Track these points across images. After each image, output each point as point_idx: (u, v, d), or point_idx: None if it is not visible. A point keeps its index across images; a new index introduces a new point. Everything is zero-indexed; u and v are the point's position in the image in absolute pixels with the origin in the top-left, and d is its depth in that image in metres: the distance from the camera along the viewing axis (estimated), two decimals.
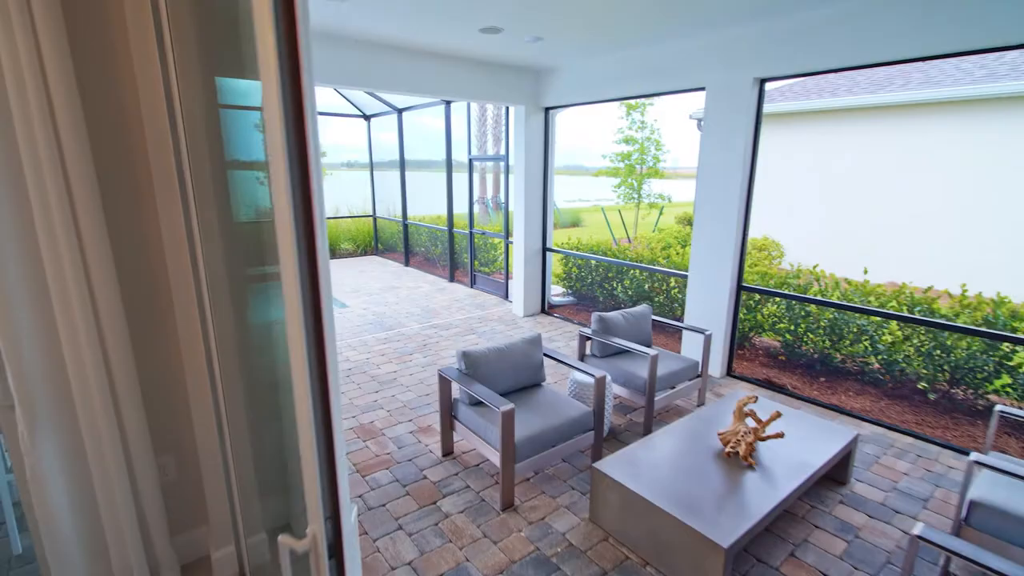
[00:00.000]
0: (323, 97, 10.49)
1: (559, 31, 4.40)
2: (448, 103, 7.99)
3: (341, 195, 12.51)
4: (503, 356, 3.28)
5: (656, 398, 3.66)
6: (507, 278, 7.49)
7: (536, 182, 6.52)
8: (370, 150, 10.97)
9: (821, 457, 2.72)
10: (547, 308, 6.96)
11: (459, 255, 8.80)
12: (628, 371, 3.75)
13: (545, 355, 3.54)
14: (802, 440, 2.89)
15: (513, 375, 3.32)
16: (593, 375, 3.14)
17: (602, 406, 3.19)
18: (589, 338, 4.00)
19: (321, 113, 10.69)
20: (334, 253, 11.25)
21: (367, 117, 10.66)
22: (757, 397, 2.81)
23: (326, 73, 4.79)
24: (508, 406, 2.72)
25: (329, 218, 11.50)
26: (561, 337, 5.93)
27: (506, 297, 7.53)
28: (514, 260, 6.81)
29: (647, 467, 2.66)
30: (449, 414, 3.33)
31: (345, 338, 5.86)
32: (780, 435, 2.72)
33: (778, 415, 2.75)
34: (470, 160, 7.88)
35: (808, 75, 3.98)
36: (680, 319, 6.04)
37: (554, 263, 7.36)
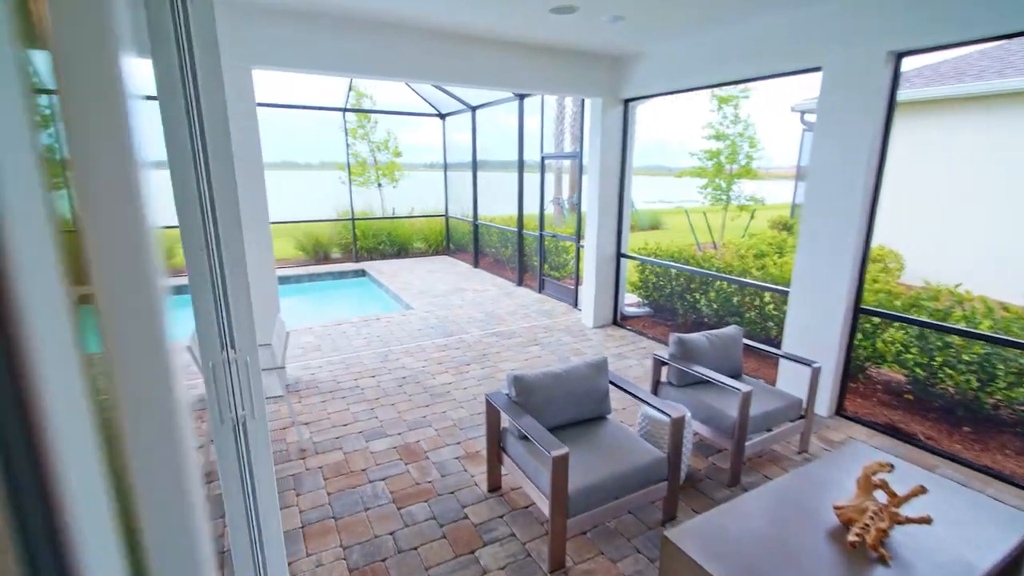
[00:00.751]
0: (399, 96, 10.52)
1: (643, 7, 3.84)
2: (521, 98, 7.60)
3: (417, 195, 12.54)
4: (561, 382, 2.81)
5: (748, 442, 3.01)
6: (577, 284, 6.96)
7: (612, 181, 5.94)
8: (444, 149, 10.86)
9: (989, 555, 1.99)
10: (619, 319, 6.36)
11: (529, 258, 8.40)
12: (713, 407, 3.13)
13: (612, 383, 3.02)
14: (957, 526, 2.16)
15: (572, 406, 2.83)
16: (669, 415, 2.58)
17: (679, 451, 2.62)
18: (665, 363, 3.41)
19: (396, 112, 10.72)
20: (406, 252, 11.27)
21: (442, 116, 10.56)
22: (892, 466, 2.12)
23: (394, 65, 4.55)
24: (561, 450, 2.25)
25: (402, 217, 11.54)
26: (633, 354, 5.33)
27: (575, 305, 7.01)
28: (585, 265, 6.28)
29: (735, 543, 2.07)
30: (497, 445, 2.91)
31: (404, 343, 5.64)
32: (926, 519, 2.03)
33: (922, 490, 2.06)
34: (542, 158, 7.43)
35: (967, 44, 3.12)
36: (775, 341, 5.22)
37: (629, 270, 6.73)
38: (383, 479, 3.15)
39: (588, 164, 6.04)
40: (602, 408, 2.95)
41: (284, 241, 11.35)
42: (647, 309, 6.74)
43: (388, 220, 11.35)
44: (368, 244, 10.81)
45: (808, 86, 4.68)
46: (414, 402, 4.21)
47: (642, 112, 6.04)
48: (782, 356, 3.48)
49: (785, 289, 4.29)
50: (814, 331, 3.88)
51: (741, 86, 9.35)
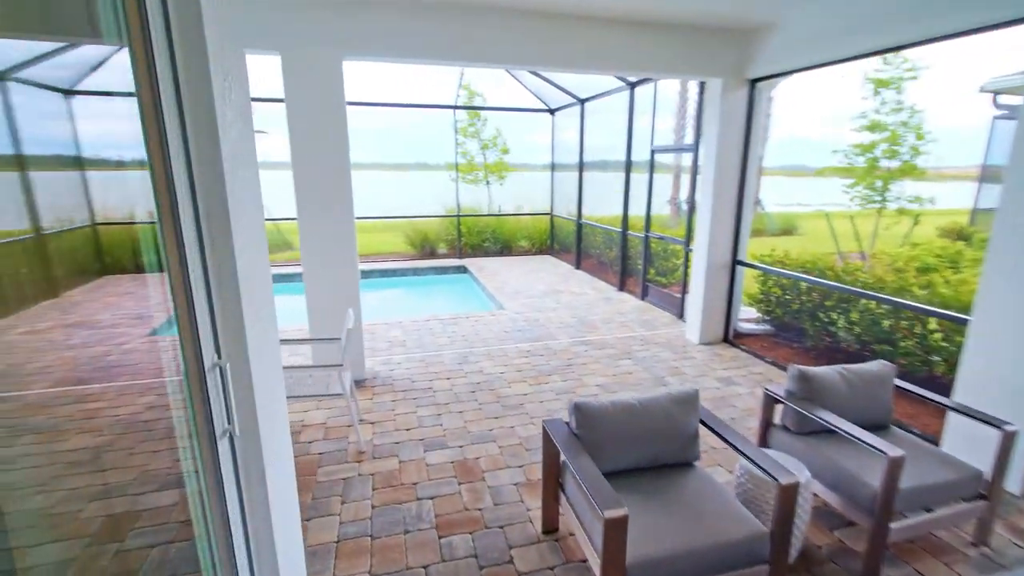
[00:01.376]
0: (509, 93, 10.37)
1: None
2: (632, 87, 6.96)
3: (524, 193, 12.35)
4: (635, 417, 2.28)
5: (895, 524, 2.22)
6: (684, 293, 6.18)
7: (730, 177, 5.12)
8: (553, 146, 10.50)
9: None
10: (731, 336, 5.49)
11: (632, 261, 7.72)
12: (844, 469, 2.38)
13: (703, 424, 2.41)
14: None
15: (647, 447, 2.29)
16: (777, 479, 1.94)
17: (789, 524, 1.97)
18: (780, 400, 2.69)
19: (505, 108, 10.57)
20: (510, 250, 11.12)
21: (552, 111, 10.20)
22: None
23: (491, 51, 4.28)
24: (617, 511, 1.75)
25: (508, 215, 11.40)
26: (744, 380, 4.51)
27: (680, 316, 6.24)
28: (694, 272, 5.51)
29: None
30: (555, 480, 2.47)
31: (487, 344, 5.37)
32: None
33: None
34: (652, 151, 6.74)
35: None
36: (942, 383, 4.08)
37: (748, 280, 5.81)
38: (432, 498, 2.86)
39: (703, 157, 5.27)
40: (687, 453, 2.36)
41: (395, 235, 11.82)
42: (767, 326, 5.76)
43: (494, 217, 11.27)
44: (473, 241, 10.82)
45: (1008, 58, 3.54)
46: (483, 412, 3.89)
47: (776, 103, 5.11)
48: (954, 408, 2.57)
49: (963, 316, 3.25)
50: (1007, 379, 2.86)
51: (907, 66, 7.76)
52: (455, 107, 10.08)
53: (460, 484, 2.99)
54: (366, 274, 9.50)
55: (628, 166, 7.31)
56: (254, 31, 3.75)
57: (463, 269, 9.84)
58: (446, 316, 6.40)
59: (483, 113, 12.14)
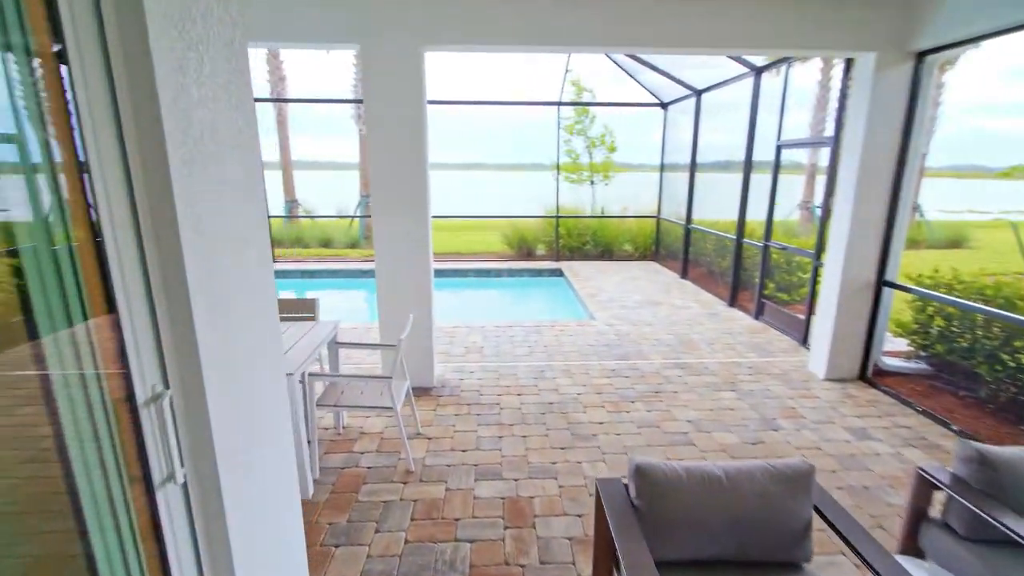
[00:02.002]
0: (617, 85, 9.72)
1: None
2: (758, 73, 6.03)
3: (631, 194, 11.60)
4: (717, 494, 1.71)
5: None
6: (809, 314, 5.18)
7: (880, 177, 4.12)
8: (663, 142, 9.66)
9: None
10: (871, 373, 4.45)
11: (748, 273, 6.75)
12: None
13: (817, 511, 1.76)
14: None
15: (733, 535, 1.71)
16: None
17: None
18: (943, 488, 1.92)
19: (613, 104, 9.92)
20: (611, 255, 10.47)
21: (664, 105, 9.37)
22: None
23: (581, 32, 3.82)
24: None
25: (611, 217, 10.75)
26: (885, 435, 3.56)
27: (803, 342, 5.24)
28: (824, 291, 4.56)
29: None
30: (608, 553, 1.97)
31: (568, 359, 4.91)
32: None
33: None
34: (777, 148, 5.77)
35: None
36: None
37: (898, 304, 4.68)
38: (471, 541, 2.50)
39: (845, 153, 4.31)
40: (792, 551, 1.73)
41: (493, 235, 11.73)
42: (922, 365, 4.59)
43: (596, 219, 10.69)
44: (572, 243, 10.35)
45: None
46: (549, 440, 3.45)
47: (947, 88, 4.00)
48: None
49: None
50: None
51: None
52: (560, 103, 9.65)
53: (506, 528, 2.59)
54: (459, 273, 9.47)
55: (748, 165, 6.37)
56: (332, 22, 3.66)
57: (558, 273, 9.41)
58: (530, 323, 6.03)
59: (591, 110, 11.59)
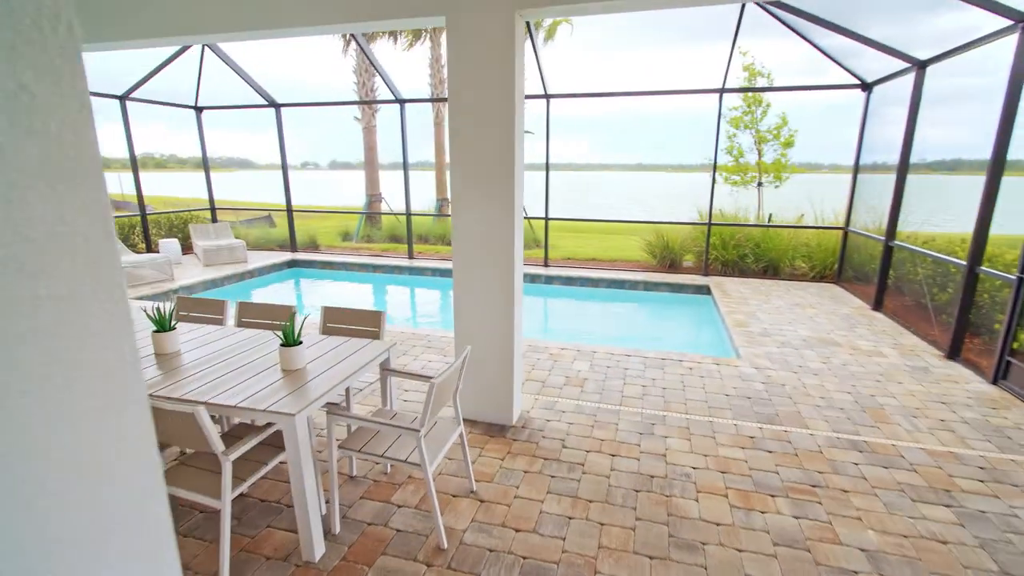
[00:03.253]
0: (799, 64, 7.86)
1: None
2: None
3: (807, 199, 9.49)
4: None
5: None
6: None
7: None
8: (861, 134, 7.56)
9: None
10: None
11: (985, 313, 4.75)
12: None
13: None
14: None
15: None
16: None
17: None
18: None
19: (795, 88, 8.06)
20: (776, 272, 8.63)
21: (866, 86, 7.31)
22: None
23: None
24: None
25: (781, 226, 8.85)
26: None
27: None
28: None
29: None
30: None
31: (691, 411, 3.79)
32: None
33: None
34: None
35: None
36: None
37: None
38: None
39: None
40: None
41: (632, 241, 10.58)
42: None
43: (761, 228, 8.90)
44: (727, 256, 8.75)
45: None
46: (635, 538, 2.49)
47: None
48: None
49: None
50: None
51: None
52: (723, 90, 8.09)
53: None
54: (590, 282, 8.58)
55: (998, 163, 4.43)
56: None
57: (704, 290, 7.98)
58: (652, 354, 4.96)
59: (765, 97, 9.73)
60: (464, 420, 3.64)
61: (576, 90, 8.53)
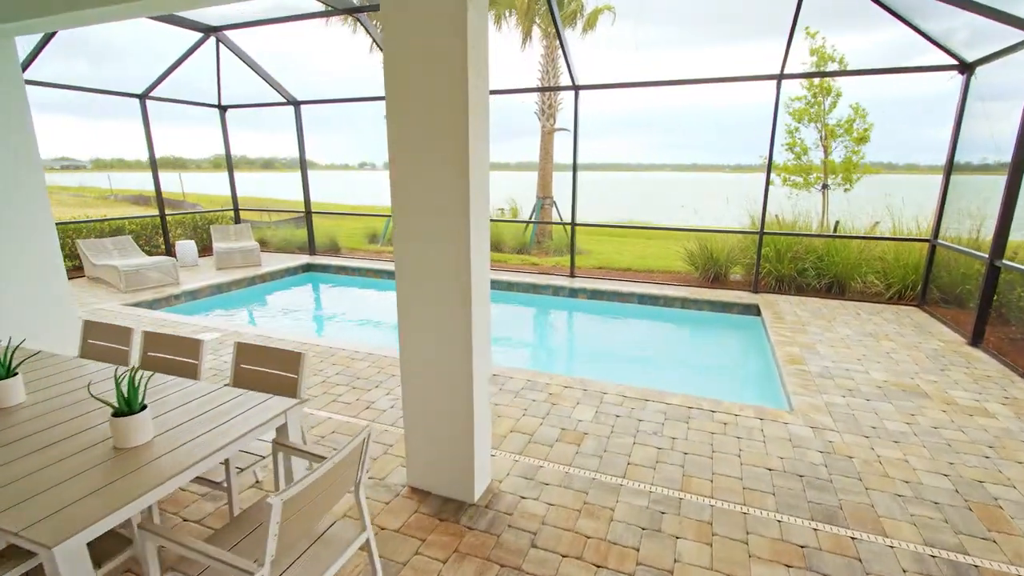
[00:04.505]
0: (879, 42, 6.56)
1: None
2: None
3: (883, 204, 8.08)
4: None
5: None
6: None
7: None
8: (957, 127, 6.18)
9: None
10: None
11: None
12: None
13: None
14: None
15: None
16: None
17: None
18: None
19: (871, 71, 6.74)
20: (843, 290, 7.32)
21: (965, 67, 5.94)
22: None
23: None
24: None
25: (849, 236, 7.51)
26: None
27: None
28: None
29: None
30: None
31: (720, 493, 2.82)
32: None
33: None
34: None
35: None
36: None
37: None
38: None
39: None
40: None
41: (675, 247, 9.45)
42: None
43: (825, 238, 7.58)
44: (783, 270, 7.51)
45: None
46: None
47: None
48: None
49: None
50: None
51: None
52: (781, 76, 6.86)
53: None
54: (619, 296, 7.58)
55: None
56: None
57: (753, 310, 6.82)
58: (676, 399, 3.97)
59: (835, 84, 8.37)
60: (413, 490, 2.84)
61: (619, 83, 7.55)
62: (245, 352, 2.70)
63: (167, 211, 9.97)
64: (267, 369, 2.64)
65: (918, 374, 4.48)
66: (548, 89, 7.88)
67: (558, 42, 7.16)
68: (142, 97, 9.02)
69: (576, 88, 7.66)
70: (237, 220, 11.38)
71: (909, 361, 4.78)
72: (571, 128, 8.34)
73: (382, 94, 9.04)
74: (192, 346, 2.78)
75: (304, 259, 10.16)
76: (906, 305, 6.72)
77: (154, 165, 9.35)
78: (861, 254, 7.45)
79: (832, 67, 8.17)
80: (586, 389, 4.18)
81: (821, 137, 8.49)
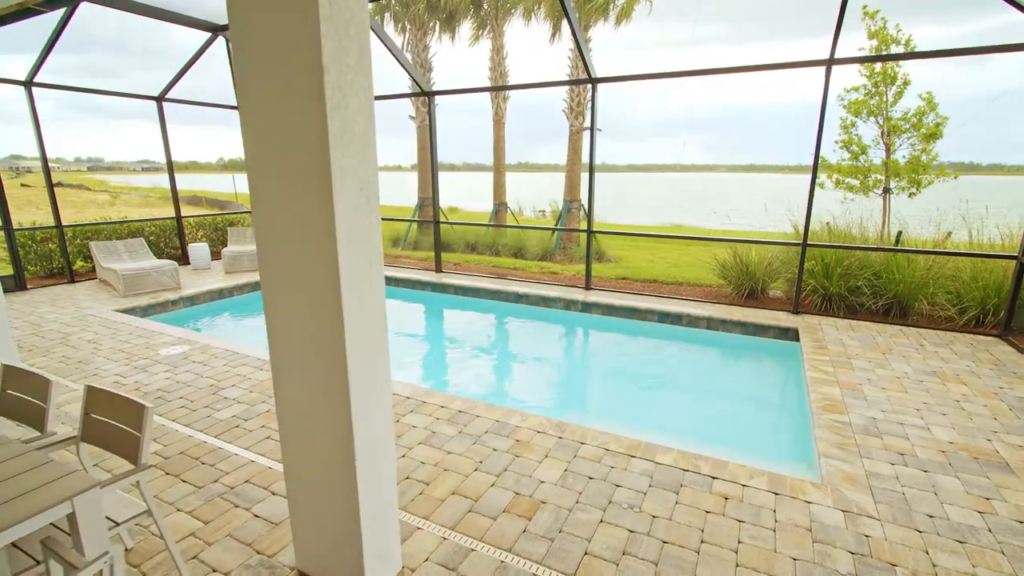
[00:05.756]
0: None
1: None
2: None
3: (964, 213, 6.85)
4: None
5: None
6: None
7: None
8: None
9: None
10: None
11: None
12: None
13: None
14: None
15: None
16: None
17: None
18: None
19: (960, 51, 5.62)
20: (904, 314, 6.20)
21: None
22: None
23: None
24: None
25: (912, 251, 6.35)
26: None
27: None
28: None
29: None
30: None
31: None
32: None
33: None
34: None
35: None
36: None
37: None
38: None
39: None
40: None
41: (706, 256, 8.50)
42: None
43: (882, 252, 6.46)
44: (832, 287, 6.45)
45: None
46: None
47: None
48: None
49: None
50: None
51: None
52: (831, 61, 5.82)
53: None
54: (634, 313, 6.75)
55: None
56: None
57: (791, 335, 5.85)
58: (669, 456, 3.19)
59: (900, 71, 7.19)
60: (300, 575, 2.24)
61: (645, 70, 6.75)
62: (95, 399, 2.19)
63: (194, 212, 9.94)
64: (114, 422, 2.12)
65: (998, 434, 3.49)
66: (563, 83, 7.17)
67: (570, 31, 6.43)
68: (158, 99, 8.99)
69: (593, 81, 6.91)
70: None
71: (986, 414, 3.77)
72: (600, 127, 7.56)
73: (405, 91, 8.59)
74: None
75: None
76: (985, 334, 5.55)
77: (171, 167, 9.31)
78: (929, 271, 6.29)
79: (897, 50, 7.01)
80: (562, 436, 3.47)
81: (882, 133, 7.32)
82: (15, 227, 7.64)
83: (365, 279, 1.91)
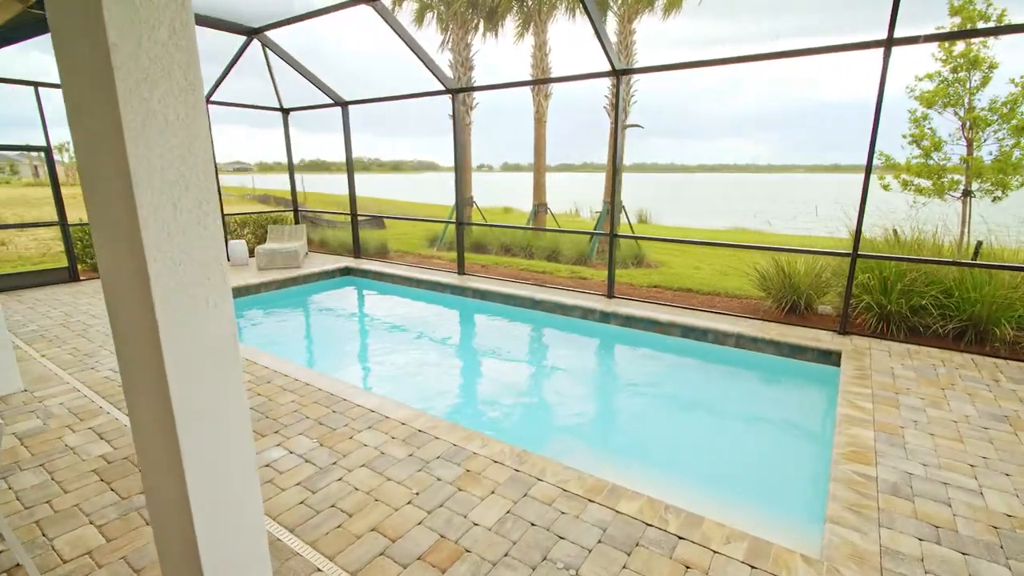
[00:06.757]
0: None
1: None
2: None
3: None
4: None
5: None
6: None
7: None
8: None
9: None
10: None
11: None
12: None
13: None
14: None
15: None
16: None
17: None
18: None
19: None
20: (981, 339, 5.21)
21: None
22: None
23: None
24: None
25: (987, 266, 5.32)
26: None
27: None
28: None
29: None
30: None
31: None
32: None
33: None
34: None
35: None
36: None
37: None
38: None
39: None
40: None
41: (741, 263, 7.69)
42: None
43: (954, 266, 5.46)
44: (891, 305, 5.55)
45: None
46: None
47: None
48: None
49: None
50: None
51: None
52: (890, 42, 4.91)
53: None
54: (658, 328, 6.14)
55: None
56: None
57: (832, 359, 5.06)
58: (632, 508, 2.70)
59: (987, 54, 6.11)
60: None
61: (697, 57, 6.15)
62: None
63: (244, 210, 10.34)
64: None
65: None
66: (583, 77, 6.69)
67: (588, 20, 5.95)
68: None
69: (616, 73, 6.39)
70: (296, 220, 11.59)
71: None
72: (643, 124, 7.02)
73: (433, 88, 8.43)
74: None
75: (344, 262, 9.95)
76: None
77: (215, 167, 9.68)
78: (1016, 291, 5.26)
79: (983, 25, 5.93)
80: (519, 469, 3.06)
81: (963, 126, 6.23)
82: (69, 223, 8.20)
83: (198, 287, 1.62)
